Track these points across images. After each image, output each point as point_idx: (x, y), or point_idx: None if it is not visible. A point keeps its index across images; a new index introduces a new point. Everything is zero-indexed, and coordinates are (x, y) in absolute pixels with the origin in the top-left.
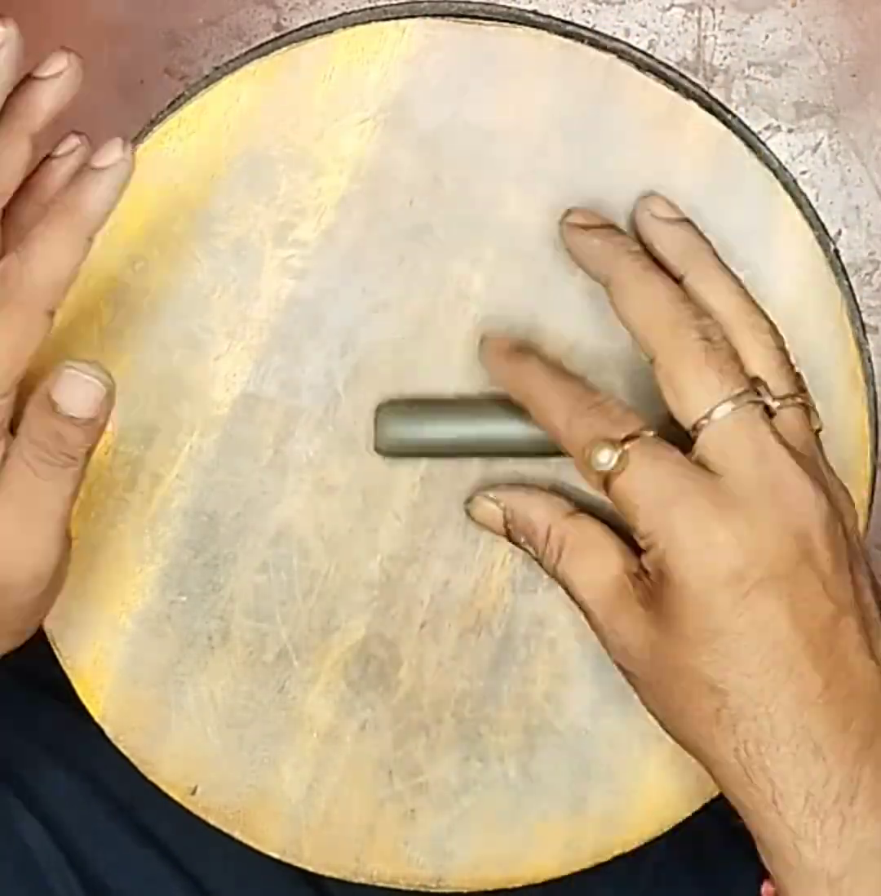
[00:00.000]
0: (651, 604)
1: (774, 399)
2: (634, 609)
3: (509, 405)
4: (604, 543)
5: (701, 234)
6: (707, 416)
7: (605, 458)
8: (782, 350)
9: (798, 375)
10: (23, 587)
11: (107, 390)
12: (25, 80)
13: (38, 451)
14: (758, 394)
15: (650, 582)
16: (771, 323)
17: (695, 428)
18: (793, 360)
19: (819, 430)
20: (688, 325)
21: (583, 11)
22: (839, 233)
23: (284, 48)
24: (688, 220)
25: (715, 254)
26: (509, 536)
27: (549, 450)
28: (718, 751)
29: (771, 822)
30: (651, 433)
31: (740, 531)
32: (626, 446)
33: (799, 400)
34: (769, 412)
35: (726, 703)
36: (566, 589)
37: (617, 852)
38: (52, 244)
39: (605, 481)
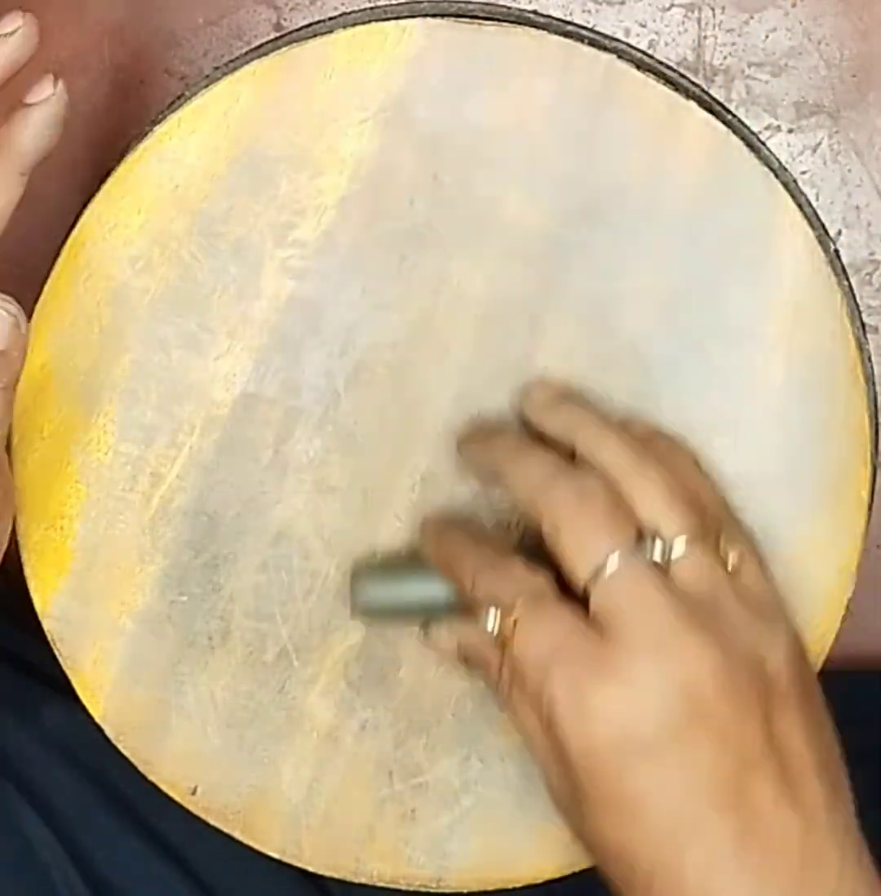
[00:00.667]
0: (554, 758)
1: (665, 547)
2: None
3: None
4: None
5: (583, 406)
6: (593, 575)
7: (490, 620)
8: (680, 492)
9: (707, 511)
10: None
11: (14, 320)
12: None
13: None
14: (646, 545)
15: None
16: (659, 473)
17: (586, 587)
18: (702, 499)
19: (741, 563)
20: (564, 488)
21: (583, 11)
22: (839, 233)
23: (284, 48)
24: (568, 395)
25: (598, 419)
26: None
27: None
28: None
29: None
30: (549, 592)
31: (623, 692)
32: (516, 609)
33: (696, 541)
34: (664, 559)
35: (635, 869)
36: (512, 719)
37: None
38: None
39: (503, 648)
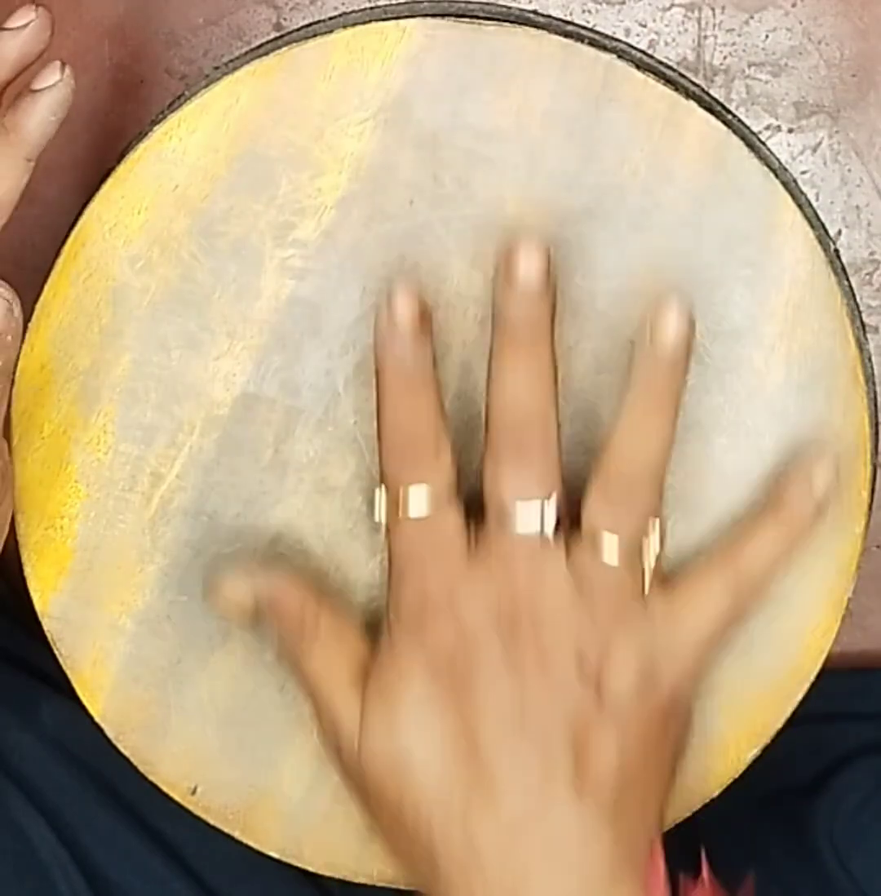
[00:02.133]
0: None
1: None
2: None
3: None
4: (349, 633)
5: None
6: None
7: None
8: None
9: None
10: None
11: (7, 304)
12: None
13: None
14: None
15: None
16: None
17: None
18: None
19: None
20: None
21: (583, 11)
22: (839, 233)
23: (284, 48)
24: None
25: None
26: (255, 617)
27: None
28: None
29: None
30: None
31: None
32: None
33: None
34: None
35: (418, 814)
36: (302, 676)
37: None
38: None
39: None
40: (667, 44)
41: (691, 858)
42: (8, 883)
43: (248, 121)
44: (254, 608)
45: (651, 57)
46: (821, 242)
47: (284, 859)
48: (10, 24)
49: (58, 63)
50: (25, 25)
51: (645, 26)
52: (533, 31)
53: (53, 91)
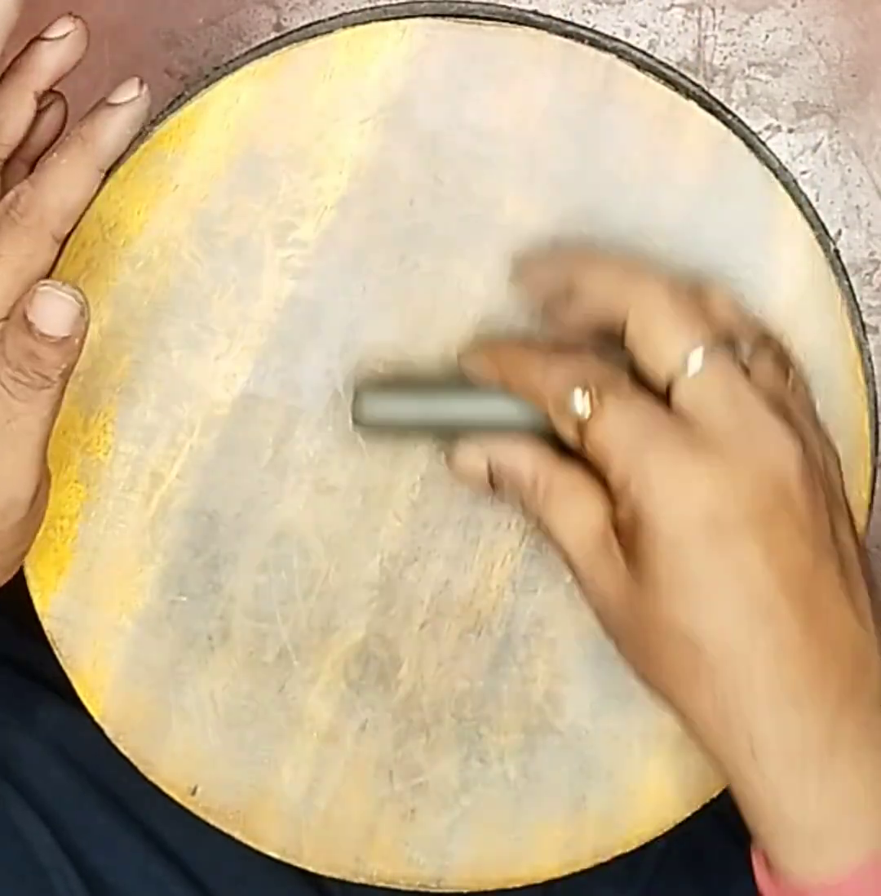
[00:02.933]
0: (628, 555)
1: (746, 347)
2: (615, 561)
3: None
4: (590, 490)
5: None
6: (681, 367)
7: (579, 401)
8: (739, 306)
9: (763, 326)
10: None
11: (80, 307)
12: (32, 41)
13: (12, 372)
14: (731, 343)
15: (627, 531)
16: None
17: (670, 380)
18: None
19: (794, 384)
20: (654, 283)
21: (584, 11)
22: (839, 233)
23: (284, 48)
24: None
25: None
26: (492, 485)
27: (528, 424)
28: (696, 704)
29: (750, 777)
30: (625, 379)
31: (715, 473)
32: (601, 392)
33: (767, 345)
34: (745, 360)
35: (703, 654)
36: (549, 534)
37: (617, 852)
38: (63, 171)
39: (581, 429)
40: (667, 44)
41: (689, 860)
42: (7, 885)
43: (248, 121)
44: (489, 473)
45: (651, 57)
46: (821, 242)
47: (284, 859)
48: (50, 34)
49: (136, 80)
50: (64, 36)
51: (645, 26)
52: (533, 31)
53: (130, 106)
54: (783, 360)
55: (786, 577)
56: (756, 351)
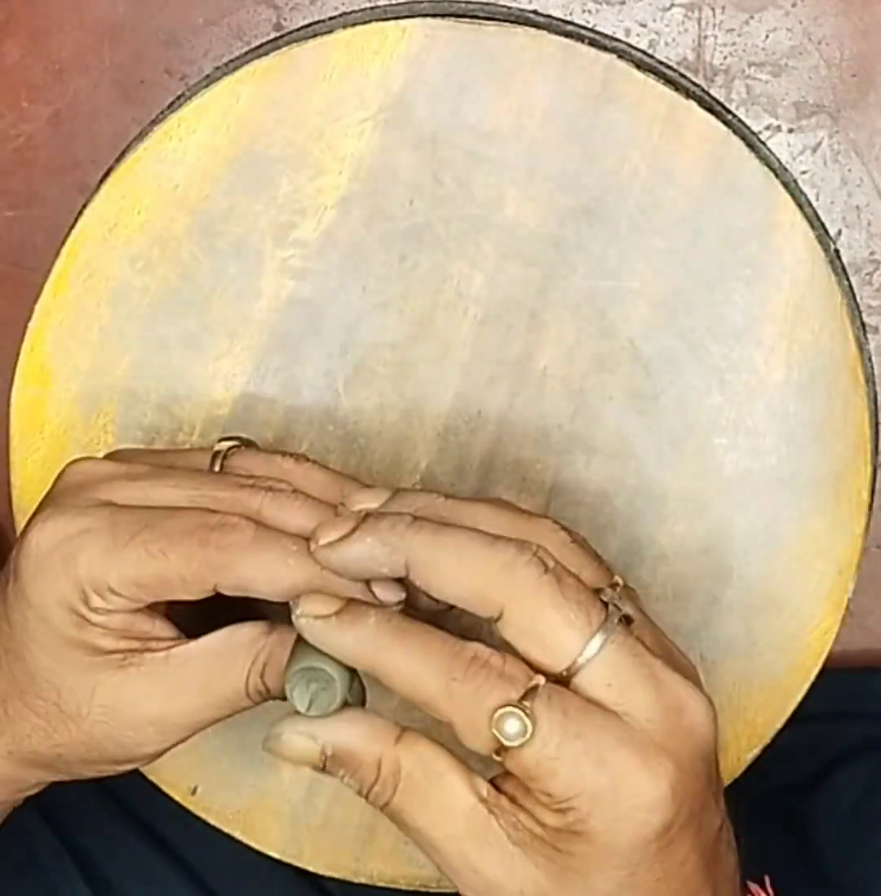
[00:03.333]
0: (550, 856)
1: (620, 603)
2: (503, 846)
3: None
4: (449, 770)
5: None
6: (581, 654)
7: (515, 728)
8: (583, 542)
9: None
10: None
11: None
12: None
13: None
14: (613, 607)
15: (553, 834)
16: (558, 523)
17: (570, 670)
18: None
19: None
20: (524, 562)
21: (583, 11)
22: (839, 233)
23: (284, 48)
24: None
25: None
26: (324, 770)
27: None
28: None
29: None
30: (542, 680)
31: (665, 782)
32: (529, 706)
33: (622, 583)
34: (628, 620)
35: None
36: (405, 828)
37: None
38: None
39: (504, 752)
40: (667, 44)
41: None
42: (9, 886)
43: (248, 121)
44: (323, 762)
45: (651, 57)
46: (821, 242)
47: (284, 859)
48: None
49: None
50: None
51: (645, 26)
52: (533, 31)
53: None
54: (631, 595)
55: (704, 851)
56: (622, 599)
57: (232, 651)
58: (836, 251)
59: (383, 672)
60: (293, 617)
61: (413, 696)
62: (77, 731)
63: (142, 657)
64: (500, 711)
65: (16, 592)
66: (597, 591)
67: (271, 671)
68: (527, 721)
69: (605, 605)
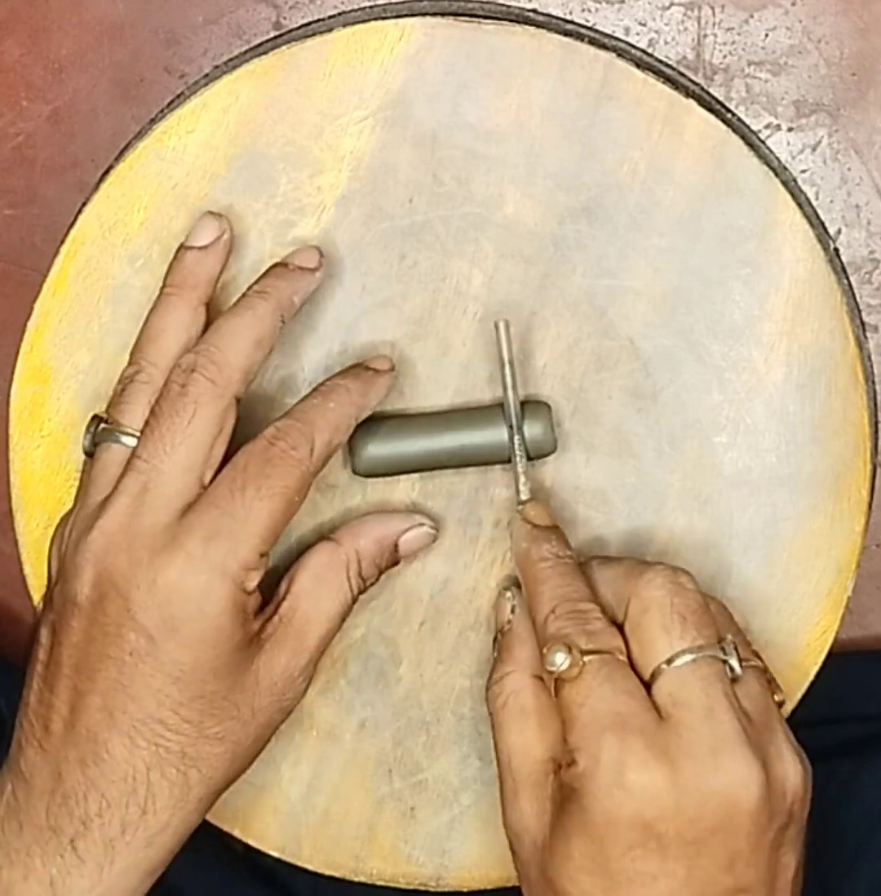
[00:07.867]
0: (556, 809)
1: (740, 659)
2: (543, 800)
3: (474, 415)
4: (551, 722)
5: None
6: (667, 662)
7: (559, 660)
8: (732, 619)
9: (754, 649)
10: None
11: (432, 536)
12: (277, 266)
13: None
14: (724, 651)
15: (563, 787)
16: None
17: (655, 672)
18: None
19: (781, 703)
20: (662, 575)
21: (583, 10)
22: (839, 231)
23: (284, 47)
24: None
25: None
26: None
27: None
28: None
29: None
30: (621, 657)
31: (661, 783)
32: (586, 658)
33: (759, 665)
34: (733, 673)
35: None
36: (495, 737)
37: None
38: (331, 414)
39: (557, 684)
40: (666, 43)
41: None
42: None
43: (248, 119)
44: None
45: (650, 56)
46: (820, 241)
47: (284, 858)
48: (293, 260)
49: (317, 254)
50: (314, 269)
51: (644, 25)
52: (532, 29)
53: (389, 375)
54: (772, 683)
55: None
56: (747, 667)
57: (321, 577)
58: (836, 250)
59: (524, 576)
60: (518, 508)
61: (530, 611)
62: (255, 726)
63: (266, 627)
64: (559, 645)
65: (174, 649)
66: (723, 639)
67: (364, 569)
68: (569, 659)
69: (719, 644)
